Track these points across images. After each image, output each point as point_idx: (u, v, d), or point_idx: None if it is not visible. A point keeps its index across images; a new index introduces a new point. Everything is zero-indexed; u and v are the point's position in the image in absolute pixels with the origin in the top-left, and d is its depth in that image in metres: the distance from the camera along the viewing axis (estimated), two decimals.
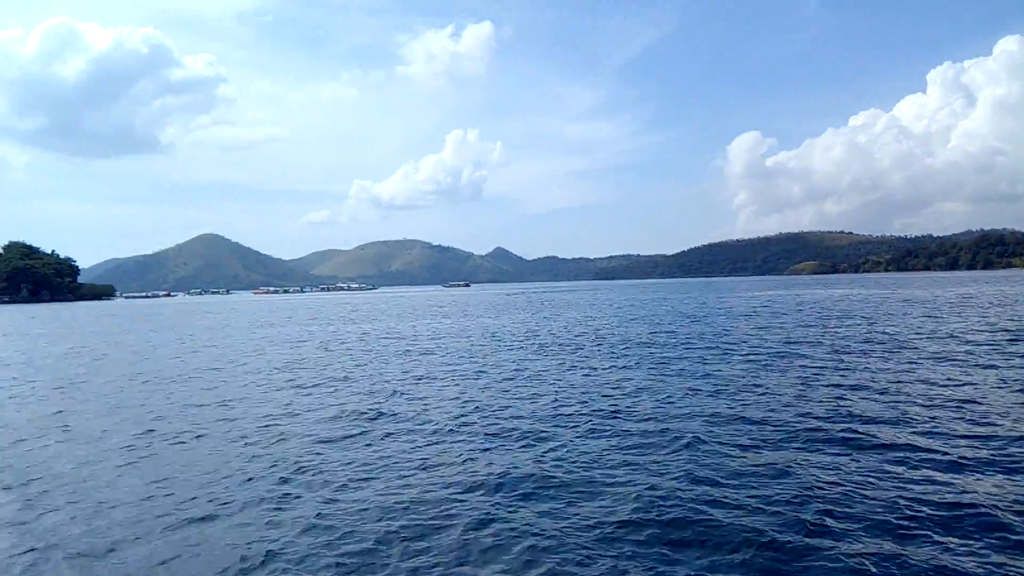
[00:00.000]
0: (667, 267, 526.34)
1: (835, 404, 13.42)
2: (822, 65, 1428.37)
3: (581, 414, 13.45)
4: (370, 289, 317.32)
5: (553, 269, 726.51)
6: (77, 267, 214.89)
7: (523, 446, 11.16)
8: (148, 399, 17.40)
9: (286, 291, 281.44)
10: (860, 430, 11.17)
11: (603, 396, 15.41)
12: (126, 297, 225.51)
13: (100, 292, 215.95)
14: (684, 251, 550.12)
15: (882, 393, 14.47)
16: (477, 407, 14.64)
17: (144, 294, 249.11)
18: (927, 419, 11.93)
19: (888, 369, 17.94)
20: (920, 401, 13.53)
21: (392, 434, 12.35)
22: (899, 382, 15.77)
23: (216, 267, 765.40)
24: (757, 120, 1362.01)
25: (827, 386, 15.55)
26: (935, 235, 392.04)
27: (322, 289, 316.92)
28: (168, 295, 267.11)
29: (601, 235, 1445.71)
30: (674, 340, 28.10)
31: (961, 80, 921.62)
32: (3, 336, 47.44)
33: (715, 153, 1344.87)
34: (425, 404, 15.29)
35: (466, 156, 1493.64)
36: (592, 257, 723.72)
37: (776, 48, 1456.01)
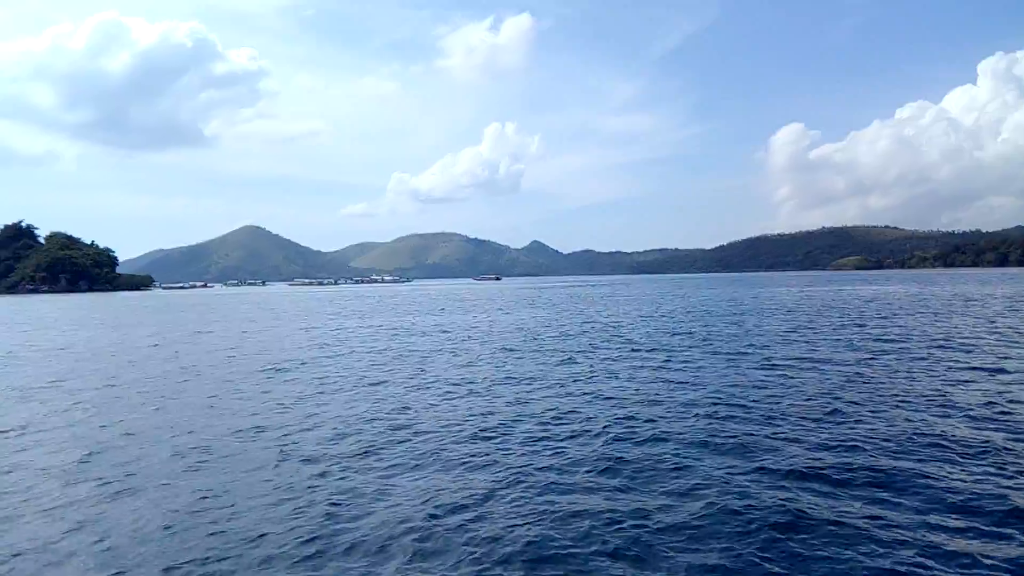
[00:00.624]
0: (705, 261, 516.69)
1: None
2: (868, 55, 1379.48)
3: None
4: (404, 281, 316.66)
5: (590, 263, 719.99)
6: (115, 258, 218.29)
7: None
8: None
9: (320, 283, 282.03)
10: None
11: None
12: (163, 288, 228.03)
13: (138, 283, 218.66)
14: (723, 245, 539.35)
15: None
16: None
17: (180, 285, 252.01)
18: None
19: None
20: None
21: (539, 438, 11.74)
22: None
23: (258, 258, 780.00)
24: (800, 112, 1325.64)
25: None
26: (984, 230, 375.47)
27: (356, 281, 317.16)
28: (205, 286, 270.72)
29: (639, 229, 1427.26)
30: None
31: (1013, 71, 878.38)
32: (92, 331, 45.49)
33: (757, 146, 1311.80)
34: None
35: (504, 149, 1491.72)
36: (629, 251, 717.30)
37: (820, 37, 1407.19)
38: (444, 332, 35.14)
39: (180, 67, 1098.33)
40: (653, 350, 23.99)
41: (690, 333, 30.10)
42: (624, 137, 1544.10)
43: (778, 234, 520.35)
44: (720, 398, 14.61)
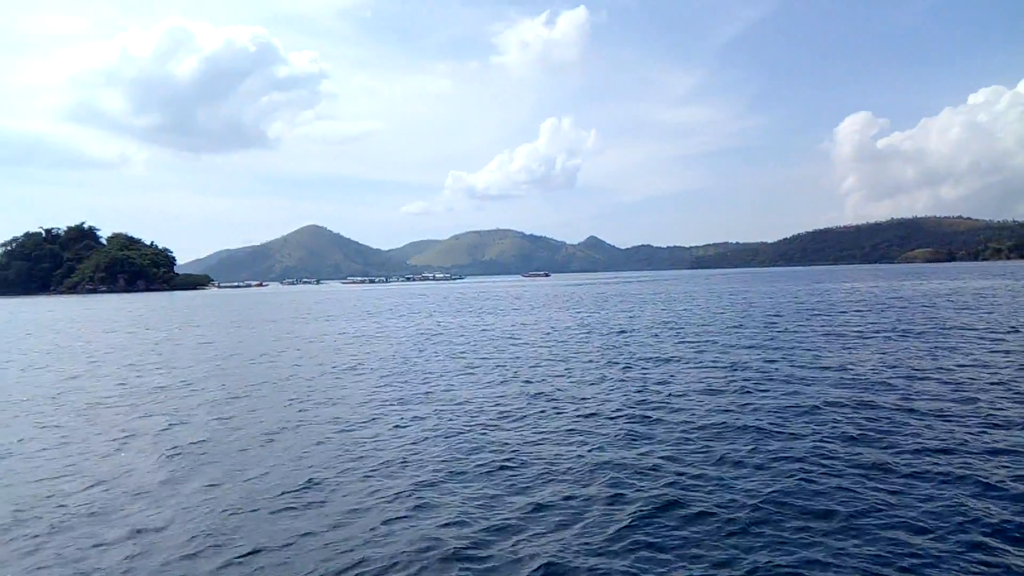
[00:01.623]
0: (767, 255, 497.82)
1: None
2: (938, 39, 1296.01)
3: None
4: (456, 279, 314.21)
5: (647, 258, 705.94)
6: (173, 258, 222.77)
7: None
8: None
9: (371, 281, 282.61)
10: None
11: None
12: (219, 287, 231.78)
13: (194, 282, 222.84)
14: (786, 238, 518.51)
15: None
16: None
17: (235, 284, 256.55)
18: None
19: None
20: None
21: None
22: None
23: (319, 257, 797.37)
24: (867, 100, 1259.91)
25: None
26: None
27: (407, 279, 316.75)
28: (260, 285, 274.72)
29: (698, 223, 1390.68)
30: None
31: None
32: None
33: (821, 135, 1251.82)
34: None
35: (560, 144, 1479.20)
36: (688, 245, 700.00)
37: (888, 22, 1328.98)
38: (463, 339, 29.61)
39: (244, 71, 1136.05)
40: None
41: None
42: (682, 129, 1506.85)
43: (844, 226, 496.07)
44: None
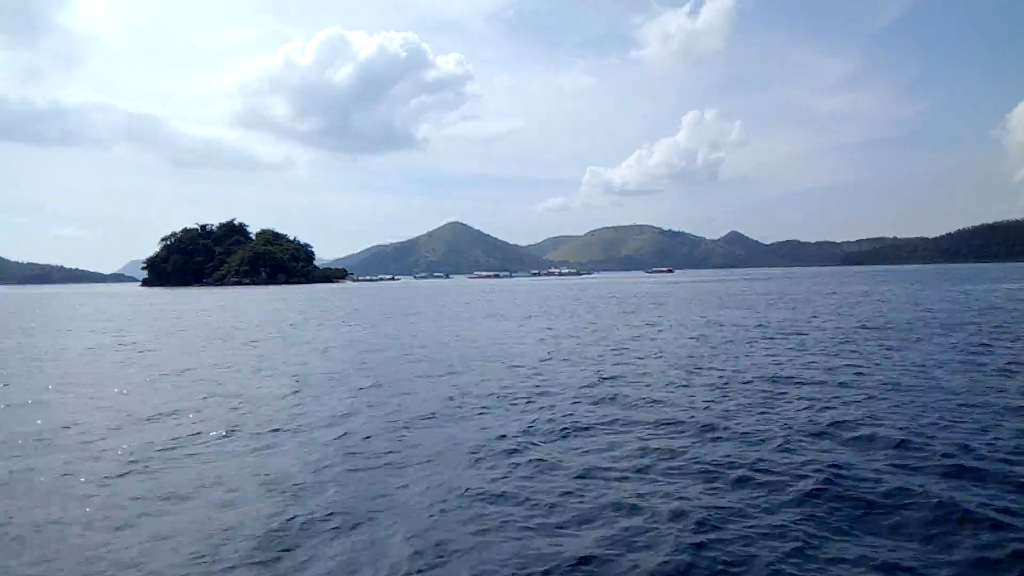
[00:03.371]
0: (928, 251, 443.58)
1: None
2: None
3: None
4: (586, 274, 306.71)
5: (793, 253, 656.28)
6: (312, 252, 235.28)
7: None
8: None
9: (496, 275, 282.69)
10: None
11: None
12: (354, 280, 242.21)
13: (332, 276, 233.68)
14: (950, 233, 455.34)
15: None
16: None
17: (369, 278, 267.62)
18: None
19: None
20: None
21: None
22: None
23: (459, 252, 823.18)
24: None
25: None
26: None
27: (533, 274, 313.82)
28: (392, 279, 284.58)
29: (850, 216, 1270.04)
30: None
31: None
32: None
33: (992, 122, 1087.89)
34: None
35: (702, 137, 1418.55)
36: (839, 241, 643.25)
37: None
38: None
39: (395, 75, 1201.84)
40: None
41: None
42: (834, 118, 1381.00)
43: (1017, 220, 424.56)
44: None
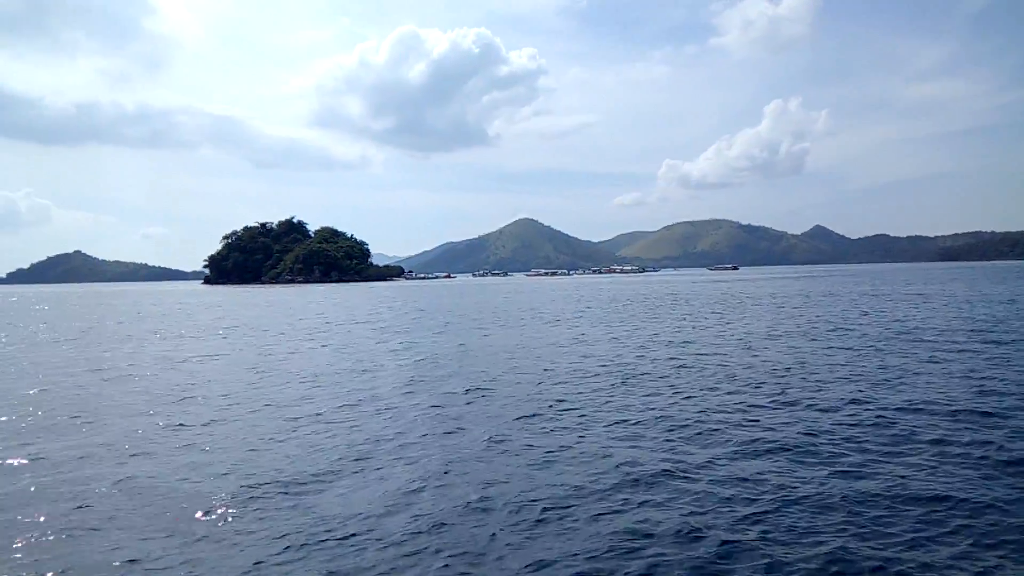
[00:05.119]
0: None
1: None
2: None
3: None
4: (651, 271, 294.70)
5: (882, 248, 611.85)
6: (368, 250, 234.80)
7: None
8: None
9: (553, 273, 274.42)
10: None
11: None
12: (407, 278, 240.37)
13: (385, 273, 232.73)
14: None
15: None
16: None
17: (423, 276, 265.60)
18: None
19: None
20: None
21: None
22: None
23: (529, 249, 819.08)
24: None
25: None
26: None
27: (593, 271, 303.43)
28: (448, 276, 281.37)
29: (944, 210, 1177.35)
30: None
31: None
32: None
33: None
34: None
35: (785, 128, 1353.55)
36: (932, 235, 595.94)
37: None
38: None
39: (468, 72, 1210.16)
40: None
41: None
42: (927, 106, 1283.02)
43: None
44: None
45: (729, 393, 14.92)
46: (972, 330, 25.60)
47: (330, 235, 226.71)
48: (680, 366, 19.16)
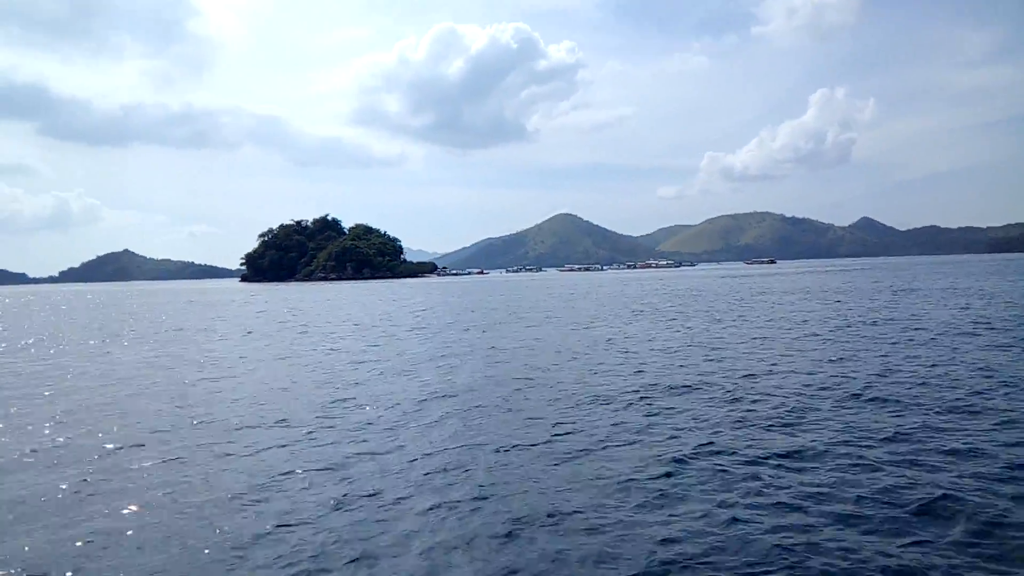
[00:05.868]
0: None
1: None
2: None
3: None
4: (688, 265, 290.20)
5: (932, 240, 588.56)
6: (400, 247, 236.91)
7: None
8: None
9: (587, 268, 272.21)
10: None
11: None
12: (438, 274, 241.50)
13: (417, 270, 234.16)
14: None
15: None
16: None
17: (455, 272, 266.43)
18: None
19: None
20: None
21: None
22: None
23: (568, 244, 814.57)
24: None
25: None
26: None
27: (628, 266, 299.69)
28: (481, 272, 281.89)
29: (997, 200, 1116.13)
30: None
31: None
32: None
33: None
34: None
35: (831, 118, 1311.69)
36: (984, 226, 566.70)
37: None
38: None
39: (506, 67, 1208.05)
40: None
41: None
42: (979, 93, 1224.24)
43: None
44: None
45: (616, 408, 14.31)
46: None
47: (363, 232, 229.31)
48: (525, 383, 18.35)
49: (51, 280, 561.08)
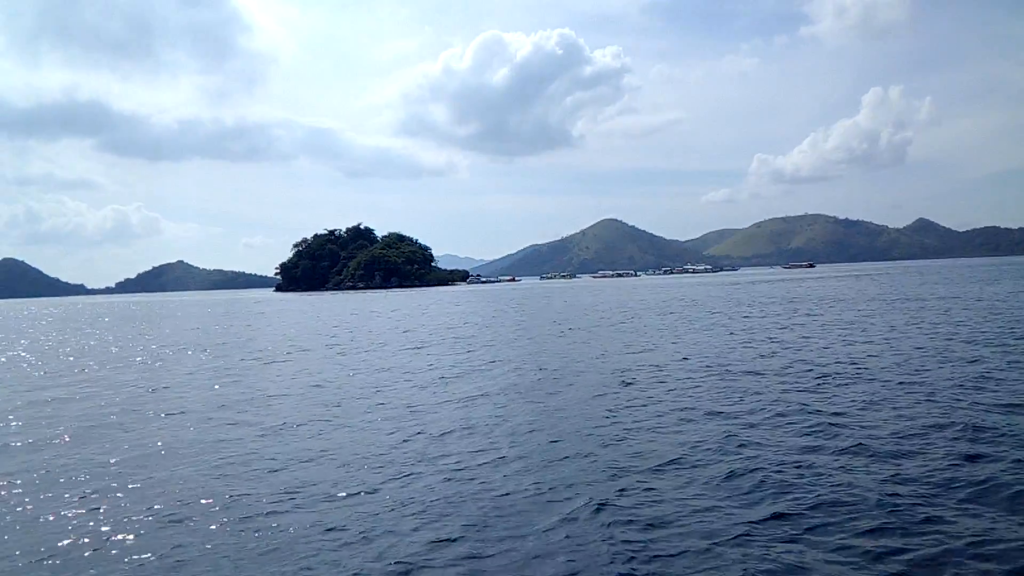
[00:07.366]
0: None
1: None
2: None
3: None
4: (729, 270, 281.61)
5: (992, 242, 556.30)
6: (431, 255, 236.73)
7: None
8: None
9: (619, 275, 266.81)
10: None
11: None
12: (469, 282, 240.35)
13: (447, 278, 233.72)
14: None
15: None
16: None
17: (486, 279, 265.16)
18: None
19: None
20: None
21: None
22: None
23: (613, 250, 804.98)
24: None
25: None
26: None
27: (664, 271, 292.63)
28: (512, 279, 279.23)
29: None
30: None
31: None
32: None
33: None
34: None
35: (885, 117, 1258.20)
36: None
37: None
38: None
39: (551, 74, 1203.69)
40: None
41: None
42: None
43: None
44: None
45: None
46: None
47: (395, 240, 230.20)
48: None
49: (107, 291, 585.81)
